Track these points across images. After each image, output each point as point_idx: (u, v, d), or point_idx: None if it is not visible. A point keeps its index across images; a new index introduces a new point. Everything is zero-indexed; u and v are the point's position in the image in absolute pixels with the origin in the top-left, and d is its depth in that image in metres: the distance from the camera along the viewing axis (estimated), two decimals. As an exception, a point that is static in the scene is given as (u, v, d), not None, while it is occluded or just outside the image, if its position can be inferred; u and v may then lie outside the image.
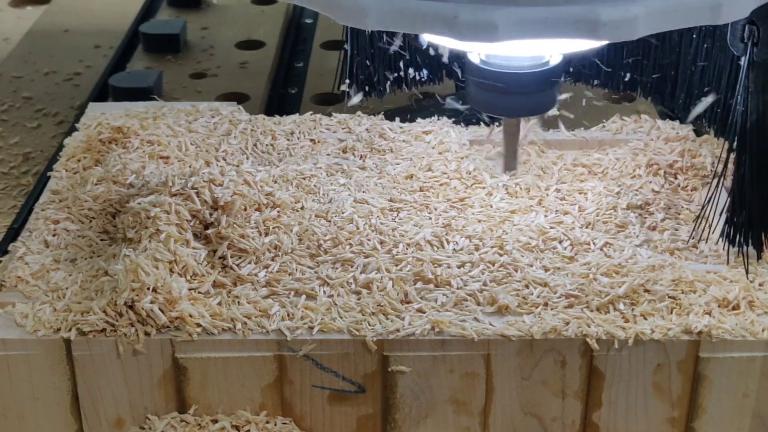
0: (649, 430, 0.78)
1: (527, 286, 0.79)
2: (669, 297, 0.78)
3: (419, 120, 1.00)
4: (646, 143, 0.97)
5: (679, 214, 0.88)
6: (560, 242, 0.83)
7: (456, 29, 0.66)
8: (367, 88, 0.98)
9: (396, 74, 0.98)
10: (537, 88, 0.84)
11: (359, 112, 1.01)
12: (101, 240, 0.85)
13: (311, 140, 0.98)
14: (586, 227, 0.86)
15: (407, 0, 0.66)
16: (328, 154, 0.96)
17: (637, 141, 0.97)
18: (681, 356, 0.76)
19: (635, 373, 0.76)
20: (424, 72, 0.99)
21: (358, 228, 0.84)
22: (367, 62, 0.97)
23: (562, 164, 0.95)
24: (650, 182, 0.92)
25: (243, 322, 0.76)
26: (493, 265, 0.81)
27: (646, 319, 0.76)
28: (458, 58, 0.97)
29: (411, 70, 0.99)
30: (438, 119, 1.00)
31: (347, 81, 0.97)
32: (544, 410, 0.78)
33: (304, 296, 0.78)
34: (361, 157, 0.96)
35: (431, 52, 0.98)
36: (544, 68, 0.84)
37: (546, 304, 0.77)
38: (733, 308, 0.78)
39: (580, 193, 0.90)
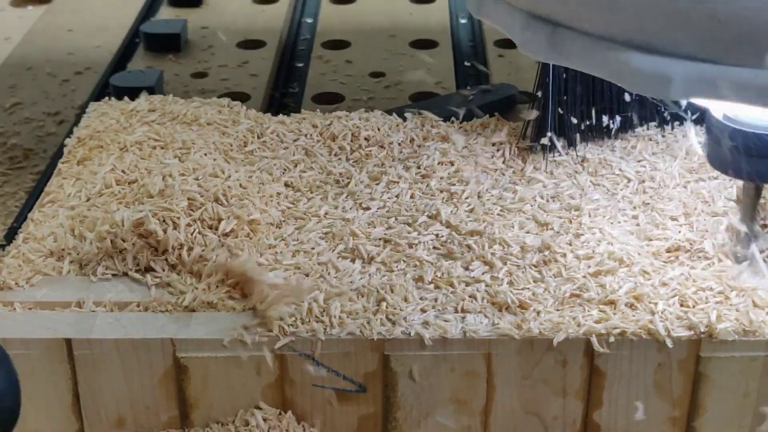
0: (650, 429, 0.78)
1: (527, 286, 0.79)
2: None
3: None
4: None
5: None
6: (561, 242, 0.83)
7: None
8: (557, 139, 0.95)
9: (588, 123, 0.94)
10: None
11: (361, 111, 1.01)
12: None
13: (311, 140, 0.97)
14: (588, 227, 0.86)
15: (721, 68, 0.59)
16: (329, 154, 0.96)
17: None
18: (682, 355, 0.76)
19: (636, 372, 0.76)
20: (617, 120, 0.95)
21: (358, 228, 0.84)
22: (559, 110, 0.93)
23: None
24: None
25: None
26: (494, 265, 0.81)
27: (646, 318, 0.76)
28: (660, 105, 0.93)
29: (605, 118, 0.94)
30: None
31: (549, 134, 0.93)
32: (544, 409, 0.78)
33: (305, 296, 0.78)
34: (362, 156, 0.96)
35: (627, 98, 0.93)
36: None
37: (546, 304, 0.77)
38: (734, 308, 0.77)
39: (580, 193, 0.90)
